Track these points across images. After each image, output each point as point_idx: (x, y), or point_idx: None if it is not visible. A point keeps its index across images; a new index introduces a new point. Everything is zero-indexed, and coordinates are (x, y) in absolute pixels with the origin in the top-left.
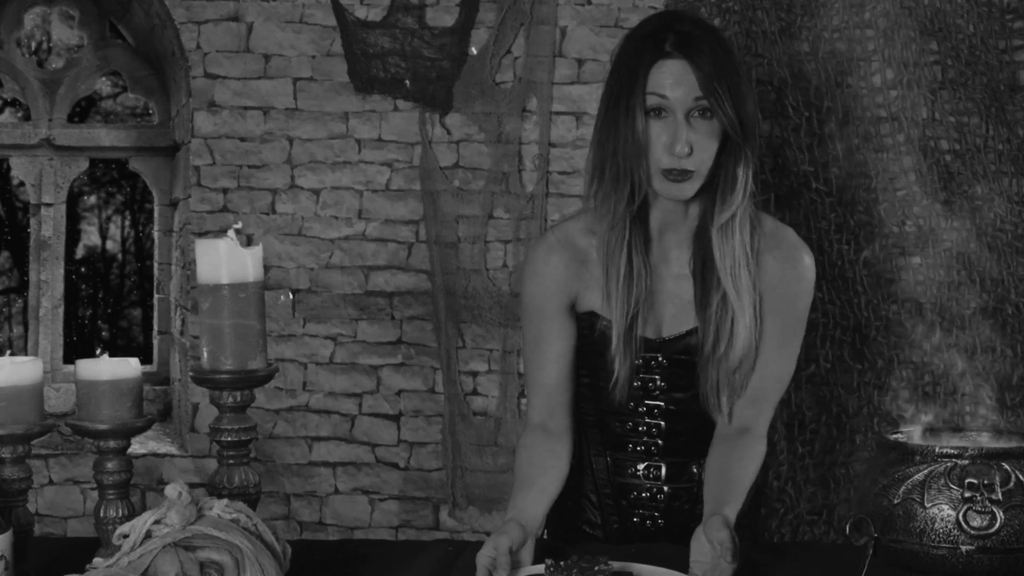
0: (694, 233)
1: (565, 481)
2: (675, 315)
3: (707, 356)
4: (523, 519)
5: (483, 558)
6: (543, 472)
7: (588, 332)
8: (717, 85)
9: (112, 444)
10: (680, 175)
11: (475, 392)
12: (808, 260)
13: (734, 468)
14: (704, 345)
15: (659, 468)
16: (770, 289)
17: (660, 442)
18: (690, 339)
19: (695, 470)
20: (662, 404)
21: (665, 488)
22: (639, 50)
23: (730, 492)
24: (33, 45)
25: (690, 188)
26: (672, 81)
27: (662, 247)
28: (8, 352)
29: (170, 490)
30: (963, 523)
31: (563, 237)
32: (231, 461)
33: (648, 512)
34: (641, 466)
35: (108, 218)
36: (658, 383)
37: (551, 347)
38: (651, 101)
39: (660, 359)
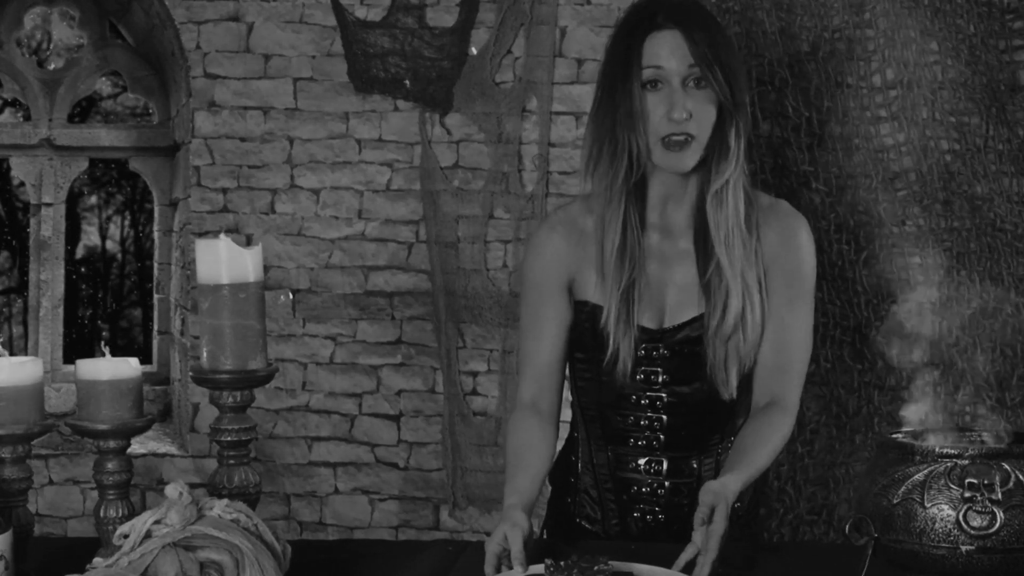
0: (695, 210)
1: (556, 473)
2: (678, 300)
3: (714, 329)
4: (525, 504)
5: (494, 545)
6: (537, 454)
7: (588, 324)
8: (708, 53)
9: (112, 444)
10: (680, 143)
11: (475, 392)
12: (804, 228)
13: (749, 439)
14: (711, 318)
15: (660, 463)
16: (772, 261)
17: (662, 437)
18: (691, 329)
19: (696, 465)
20: (664, 396)
21: (666, 483)
22: (632, 26)
23: (738, 461)
24: (33, 45)
25: (690, 157)
26: (666, 51)
27: (665, 226)
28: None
29: (170, 490)
30: (963, 523)
31: (566, 218)
32: (231, 461)
33: (648, 507)
34: (642, 461)
35: (108, 218)
36: (660, 376)
37: (547, 326)
38: (647, 74)
39: (662, 350)
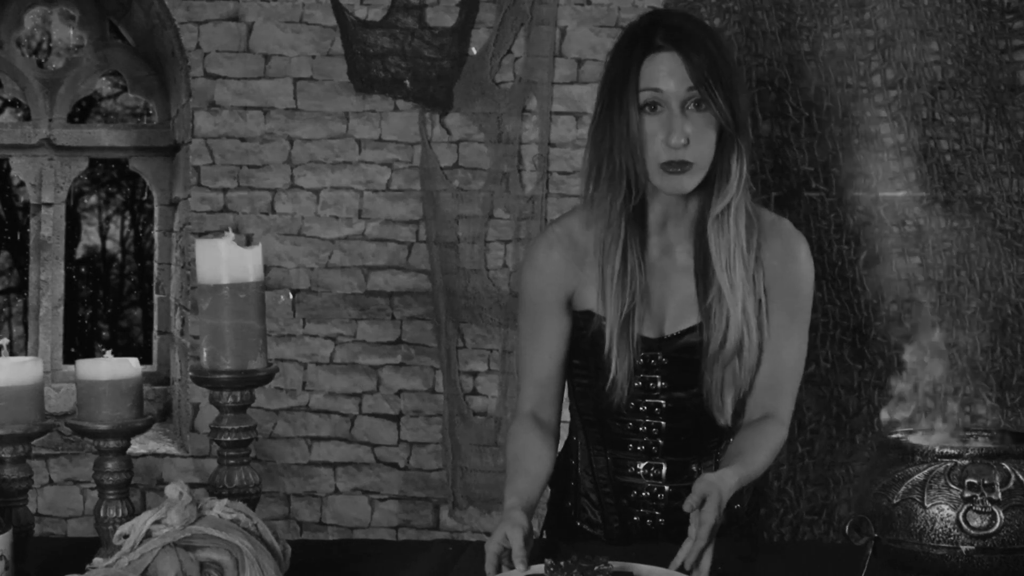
0: (695, 226)
1: (556, 477)
2: (678, 312)
3: (713, 354)
4: (525, 506)
5: (494, 545)
6: (538, 459)
7: (586, 331)
8: (708, 76)
9: (112, 444)
10: (679, 167)
11: (475, 392)
12: (805, 249)
13: (746, 443)
14: (709, 343)
15: (660, 467)
16: (773, 281)
17: (661, 441)
18: (691, 336)
19: (695, 468)
20: (662, 403)
21: (666, 487)
22: (630, 47)
23: (734, 459)
24: (33, 45)
25: (690, 181)
26: (664, 73)
27: (664, 241)
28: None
29: (170, 490)
30: (963, 523)
31: (564, 233)
32: (231, 461)
33: (649, 511)
34: (641, 465)
35: (108, 218)
36: (659, 383)
37: (546, 341)
38: (644, 97)
39: (660, 358)
